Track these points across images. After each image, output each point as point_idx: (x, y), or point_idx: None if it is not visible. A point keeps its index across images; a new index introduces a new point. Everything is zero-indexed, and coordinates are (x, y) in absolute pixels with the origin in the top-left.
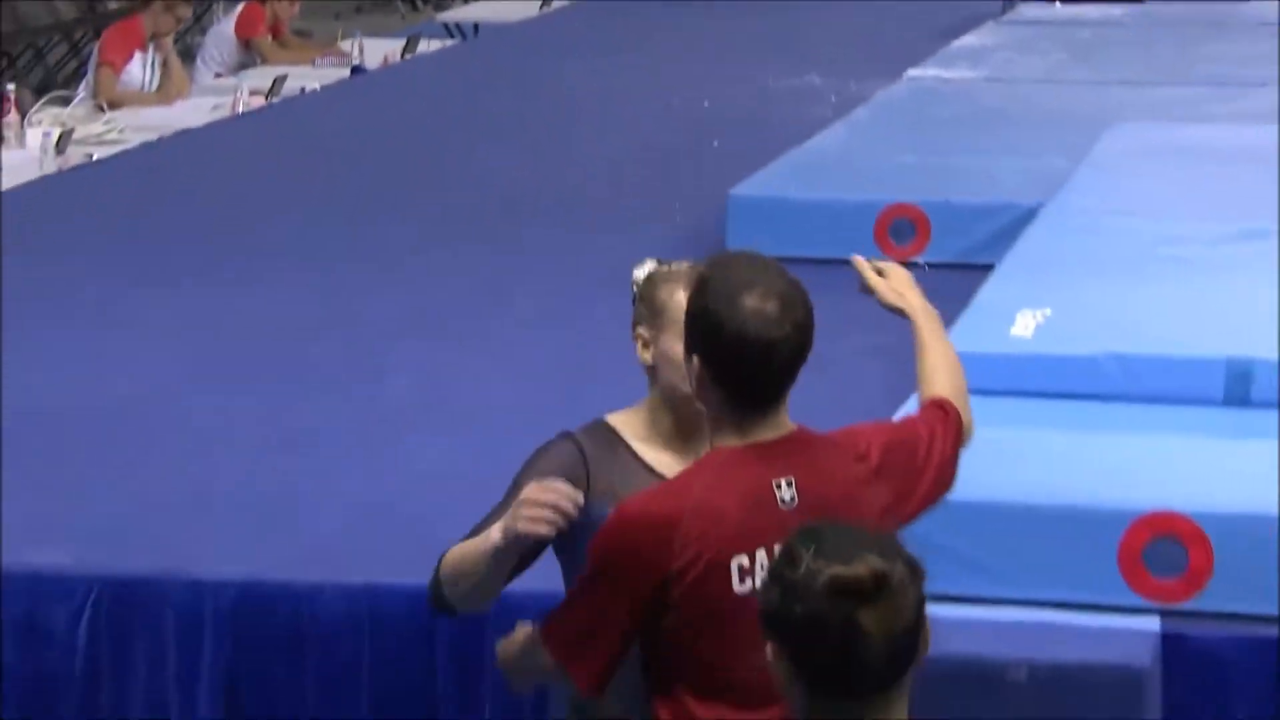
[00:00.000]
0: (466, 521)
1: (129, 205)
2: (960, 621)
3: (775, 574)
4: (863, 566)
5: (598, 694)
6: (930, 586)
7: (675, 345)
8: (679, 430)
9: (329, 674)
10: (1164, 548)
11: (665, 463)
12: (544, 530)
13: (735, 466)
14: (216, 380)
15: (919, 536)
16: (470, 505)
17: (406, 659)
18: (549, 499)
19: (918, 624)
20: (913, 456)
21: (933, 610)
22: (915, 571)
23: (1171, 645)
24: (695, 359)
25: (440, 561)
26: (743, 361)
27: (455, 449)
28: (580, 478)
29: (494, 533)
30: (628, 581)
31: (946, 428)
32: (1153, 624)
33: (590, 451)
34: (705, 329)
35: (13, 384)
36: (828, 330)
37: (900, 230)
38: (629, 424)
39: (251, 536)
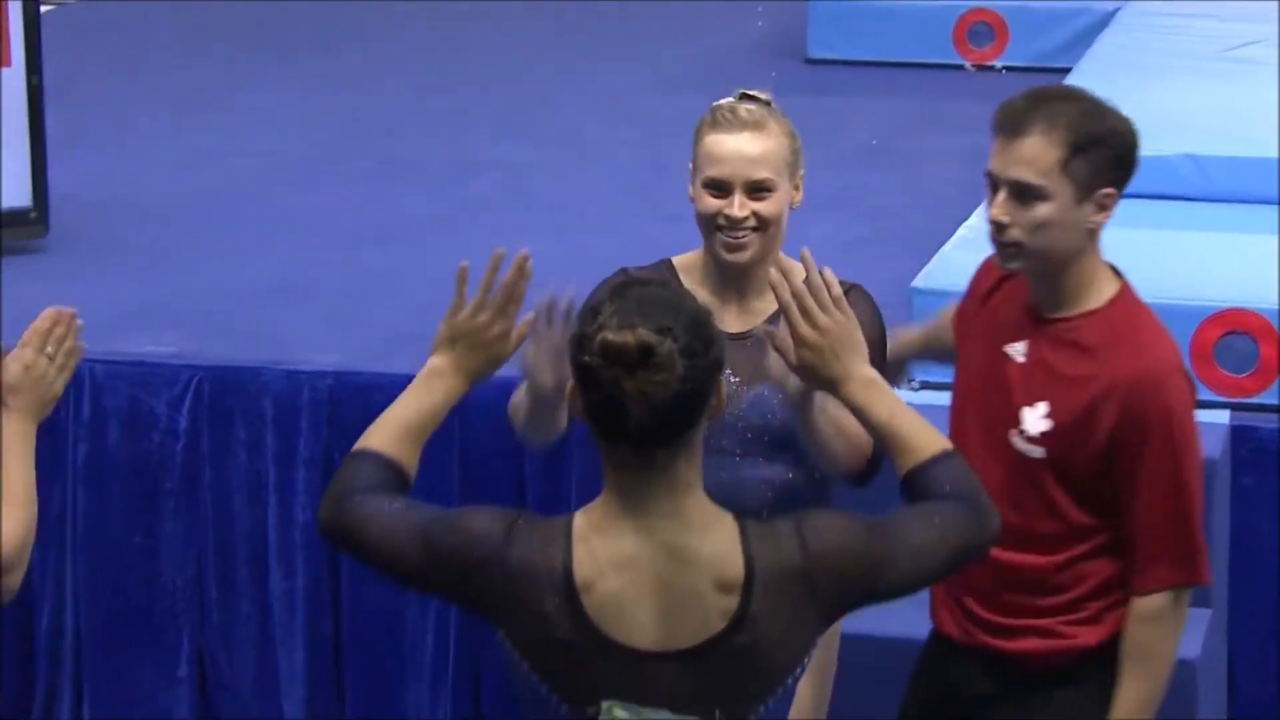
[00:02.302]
0: None
1: (208, 9)
2: None
3: (581, 318)
4: (630, 336)
5: None
6: None
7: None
8: (725, 277)
9: (421, 456)
10: (1235, 343)
11: (714, 307)
12: (545, 380)
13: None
14: (303, 173)
15: None
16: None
17: (496, 441)
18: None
19: (693, 394)
20: None
21: None
22: (701, 346)
23: (1240, 437)
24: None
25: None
26: None
27: (538, 243)
28: None
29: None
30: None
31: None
32: (1223, 417)
33: None
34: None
35: (107, 175)
36: (907, 130)
37: (978, 33)
38: (689, 268)
39: (343, 326)
